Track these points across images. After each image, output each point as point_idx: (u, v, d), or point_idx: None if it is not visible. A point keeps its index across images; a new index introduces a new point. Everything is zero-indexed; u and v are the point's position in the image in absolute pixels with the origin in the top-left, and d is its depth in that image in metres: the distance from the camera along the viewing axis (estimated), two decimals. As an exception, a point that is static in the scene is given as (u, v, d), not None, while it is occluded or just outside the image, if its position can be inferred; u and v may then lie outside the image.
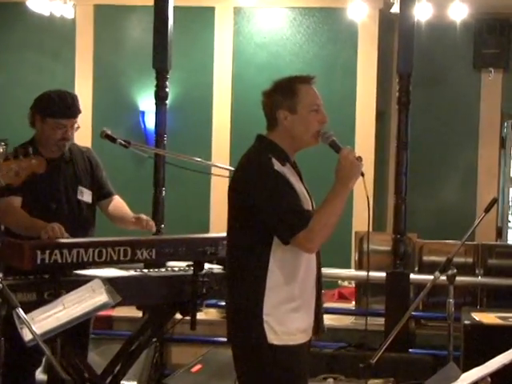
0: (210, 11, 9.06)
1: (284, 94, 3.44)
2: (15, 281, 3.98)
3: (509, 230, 9.91)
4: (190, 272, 4.36)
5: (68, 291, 3.63)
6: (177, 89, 8.44)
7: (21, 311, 3.05)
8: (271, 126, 3.50)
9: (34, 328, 3.04)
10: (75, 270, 4.13)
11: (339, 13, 8.74)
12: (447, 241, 6.92)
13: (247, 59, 9.05)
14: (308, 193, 3.52)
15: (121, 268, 4.33)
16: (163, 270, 4.46)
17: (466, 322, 5.32)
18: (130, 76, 9.11)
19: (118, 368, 4.55)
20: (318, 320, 3.58)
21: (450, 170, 9.27)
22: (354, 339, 6.49)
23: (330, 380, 5.59)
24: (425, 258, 7.06)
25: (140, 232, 4.66)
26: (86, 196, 4.63)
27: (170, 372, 6.02)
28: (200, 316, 4.58)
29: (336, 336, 6.49)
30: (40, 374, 4.83)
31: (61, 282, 3.97)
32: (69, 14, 8.74)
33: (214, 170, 6.24)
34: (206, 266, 4.44)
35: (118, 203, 4.77)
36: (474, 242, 7.15)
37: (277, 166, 3.39)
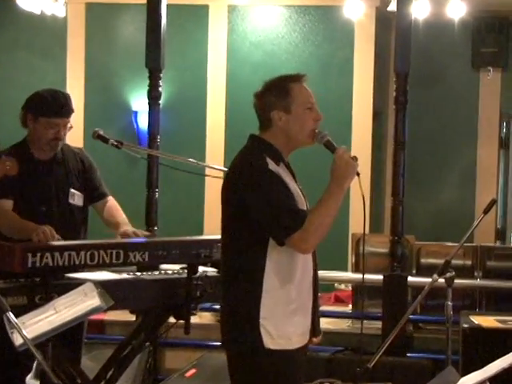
0: (203, 9, 9.01)
1: (277, 94, 3.42)
2: (5, 284, 3.93)
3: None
4: (184, 275, 4.31)
5: (59, 295, 3.58)
6: (170, 88, 8.39)
7: (11, 315, 3.01)
8: (265, 127, 3.48)
9: (24, 332, 3.01)
10: (67, 273, 4.08)
11: (335, 11, 8.70)
12: (445, 243, 6.96)
13: (242, 58, 8.99)
14: (302, 193, 3.49)
15: (113, 271, 4.29)
16: (156, 273, 4.42)
17: (465, 325, 5.34)
18: (122, 75, 9.07)
19: (110, 373, 4.51)
20: (314, 322, 3.53)
21: (448, 170, 9.24)
22: (351, 343, 6.48)
23: (327, 384, 5.55)
24: (423, 260, 7.07)
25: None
26: (77, 199, 4.62)
27: (164, 377, 6.08)
28: (194, 320, 4.53)
29: (333, 340, 6.46)
30: (31, 380, 4.77)
31: (52, 285, 3.92)
32: (60, 12, 8.71)
33: (207, 171, 6.18)
34: (200, 268, 4.40)
35: (111, 208, 4.74)
36: (473, 244, 7.17)
37: (271, 165, 3.36)
